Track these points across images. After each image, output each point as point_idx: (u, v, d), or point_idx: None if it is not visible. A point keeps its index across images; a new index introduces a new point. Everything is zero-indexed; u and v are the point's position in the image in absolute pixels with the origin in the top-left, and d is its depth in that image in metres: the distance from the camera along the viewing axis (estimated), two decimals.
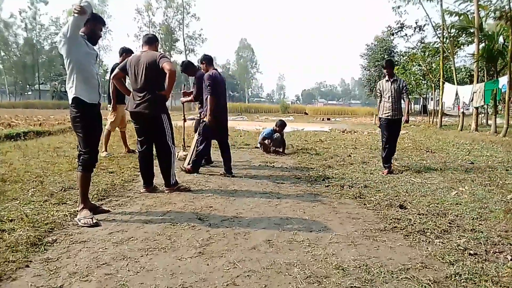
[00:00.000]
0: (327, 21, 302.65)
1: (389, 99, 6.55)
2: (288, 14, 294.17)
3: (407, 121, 6.70)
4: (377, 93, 6.88)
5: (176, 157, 4.94)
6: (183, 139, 7.71)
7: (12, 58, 63.86)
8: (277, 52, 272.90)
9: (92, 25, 3.89)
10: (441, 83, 20.00)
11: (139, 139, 4.89)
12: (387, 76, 6.69)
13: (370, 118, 33.06)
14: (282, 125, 8.86)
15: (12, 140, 9.70)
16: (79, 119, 3.75)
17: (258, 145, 9.09)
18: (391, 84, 6.58)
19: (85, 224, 3.53)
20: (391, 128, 6.62)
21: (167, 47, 57.80)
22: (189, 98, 6.85)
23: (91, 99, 3.78)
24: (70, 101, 3.75)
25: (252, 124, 20.30)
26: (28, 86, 68.90)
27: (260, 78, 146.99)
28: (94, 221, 3.58)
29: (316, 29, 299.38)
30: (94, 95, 3.83)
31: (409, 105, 7.30)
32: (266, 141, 8.70)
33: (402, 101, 6.70)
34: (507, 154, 8.55)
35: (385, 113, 6.60)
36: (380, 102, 6.75)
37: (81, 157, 3.81)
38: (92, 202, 4.10)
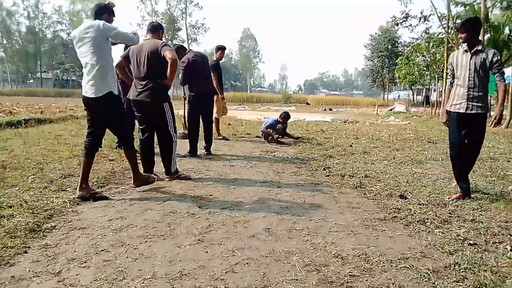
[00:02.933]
0: (330, 11, 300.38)
1: (464, 81, 4.16)
2: (291, 4, 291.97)
3: (497, 123, 4.16)
4: (448, 71, 4.49)
5: (177, 144, 4.95)
6: (184, 117, 7.73)
7: (14, 46, 63.75)
8: (280, 42, 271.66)
9: (106, 18, 4.06)
10: (444, 74, 19.86)
11: (140, 127, 4.90)
12: (464, 45, 4.22)
13: (372, 109, 32.95)
14: (286, 116, 8.87)
15: (13, 127, 9.72)
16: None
17: (260, 134, 9.07)
18: (471, 57, 4.13)
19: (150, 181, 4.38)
20: (465, 129, 4.23)
21: (170, 36, 57.46)
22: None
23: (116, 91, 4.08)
24: (101, 95, 3.91)
25: (254, 113, 20.26)
26: (30, 74, 68.90)
27: (263, 68, 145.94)
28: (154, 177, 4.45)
29: (319, 19, 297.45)
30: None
31: (505, 94, 4.34)
32: (268, 130, 8.67)
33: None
34: (509, 146, 8.50)
35: (456, 104, 4.25)
36: (451, 85, 4.41)
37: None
38: (93, 188, 4.13)
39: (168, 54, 4.40)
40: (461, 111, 4.19)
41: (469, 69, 4.12)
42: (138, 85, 4.68)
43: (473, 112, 4.12)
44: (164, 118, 4.76)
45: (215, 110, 8.59)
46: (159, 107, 4.70)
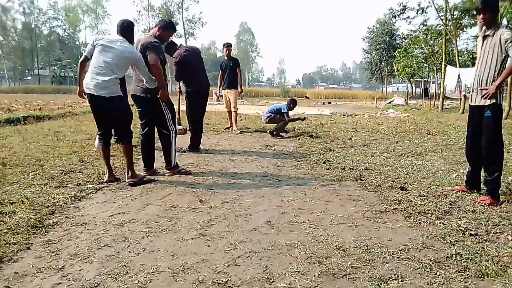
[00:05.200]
0: (328, 3, 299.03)
1: (476, 69, 3.94)
2: None
3: (486, 96, 3.71)
4: None
5: (176, 138, 4.96)
6: (178, 112, 7.71)
7: (10, 43, 63.34)
8: (278, 36, 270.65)
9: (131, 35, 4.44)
10: (443, 66, 19.82)
11: (141, 122, 4.92)
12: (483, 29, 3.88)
13: (371, 102, 32.93)
14: (295, 103, 9.04)
15: (12, 124, 9.70)
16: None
17: (265, 118, 8.87)
18: (483, 44, 3.83)
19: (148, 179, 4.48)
20: (475, 123, 3.97)
21: None
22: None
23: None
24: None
25: (253, 108, 20.23)
26: (27, 71, 68.54)
27: (261, 62, 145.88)
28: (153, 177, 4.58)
29: (316, 12, 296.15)
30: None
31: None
32: (277, 116, 8.68)
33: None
34: (508, 137, 8.51)
35: (470, 96, 4.06)
36: None
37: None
38: (92, 185, 4.23)
39: (150, 60, 4.45)
40: (470, 103, 4.01)
41: (479, 57, 3.86)
42: (136, 81, 4.69)
43: (475, 104, 3.89)
44: (162, 113, 4.77)
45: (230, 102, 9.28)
46: (155, 101, 4.70)
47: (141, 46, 4.56)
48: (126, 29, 4.37)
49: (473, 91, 3.94)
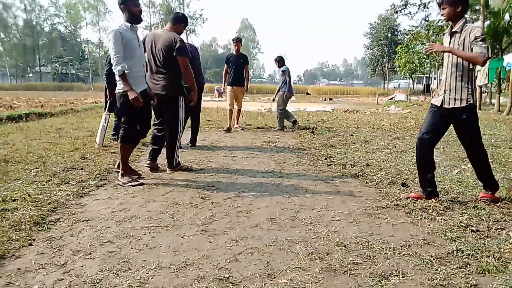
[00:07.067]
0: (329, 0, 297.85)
1: (444, 68, 3.67)
2: None
3: (430, 48, 3.62)
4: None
5: (181, 137, 4.95)
6: None
7: (12, 40, 63.29)
8: (279, 32, 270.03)
9: (127, 7, 4.10)
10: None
11: (157, 120, 4.90)
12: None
13: (373, 98, 32.87)
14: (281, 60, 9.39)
15: (14, 121, 9.72)
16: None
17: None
18: (450, 41, 3.51)
19: (132, 185, 4.15)
20: (439, 124, 3.67)
21: None
22: None
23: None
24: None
25: (254, 104, 20.23)
26: (29, 68, 68.49)
27: (262, 59, 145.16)
28: (139, 181, 4.28)
29: (317, 8, 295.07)
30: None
31: (472, 58, 3.33)
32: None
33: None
34: (510, 133, 8.49)
35: (436, 95, 3.72)
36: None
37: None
38: (94, 181, 4.25)
39: (181, 64, 4.47)
40: (437, 103, 3.62)
41: (448, 56, 3.53)
42: (155, 77, 4.62)
43: (450, 106, 3.52)
44: (177, 113, 4.70)
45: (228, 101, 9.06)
46: (174, 100, 4.65)
47: (165, 44, 4.44)
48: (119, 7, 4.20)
49: (445, 92, 3.56)
